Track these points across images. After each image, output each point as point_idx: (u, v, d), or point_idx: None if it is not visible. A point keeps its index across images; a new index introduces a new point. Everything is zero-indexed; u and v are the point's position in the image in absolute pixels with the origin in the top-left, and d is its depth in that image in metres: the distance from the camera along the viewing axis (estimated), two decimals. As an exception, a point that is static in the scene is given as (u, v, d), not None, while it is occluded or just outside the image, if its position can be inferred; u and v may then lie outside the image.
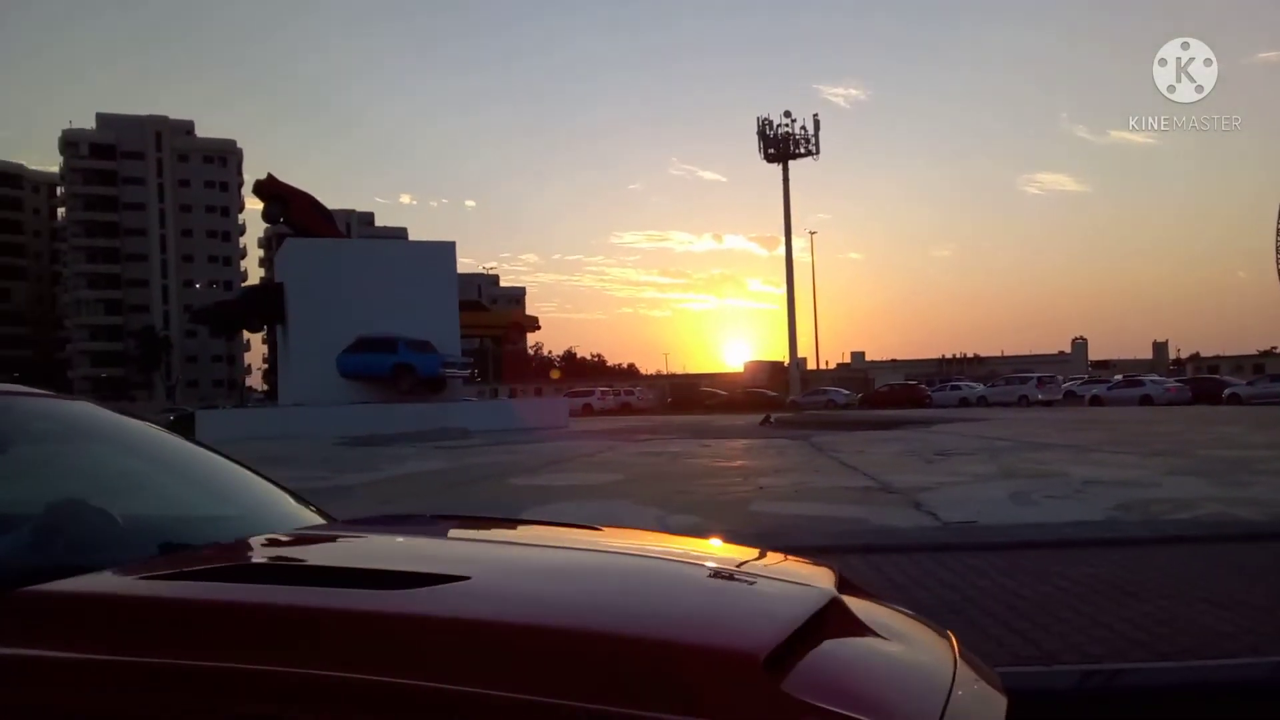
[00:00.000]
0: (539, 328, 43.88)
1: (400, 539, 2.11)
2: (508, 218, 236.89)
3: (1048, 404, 51.32)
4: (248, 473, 2.51)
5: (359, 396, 31.03)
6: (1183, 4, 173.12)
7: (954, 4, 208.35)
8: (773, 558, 2.01)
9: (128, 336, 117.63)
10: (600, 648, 1.17)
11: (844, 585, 1.70)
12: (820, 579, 1.68)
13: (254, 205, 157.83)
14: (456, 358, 32.25)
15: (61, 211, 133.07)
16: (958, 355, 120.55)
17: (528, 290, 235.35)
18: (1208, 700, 4.23)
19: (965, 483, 10.79)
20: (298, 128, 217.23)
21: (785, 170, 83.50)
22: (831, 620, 1.42)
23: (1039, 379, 57.09)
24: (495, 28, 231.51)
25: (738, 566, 1.79)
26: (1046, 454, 14.83)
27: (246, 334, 54.77)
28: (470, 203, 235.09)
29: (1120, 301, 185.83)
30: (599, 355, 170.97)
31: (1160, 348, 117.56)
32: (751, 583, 1.65)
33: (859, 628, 1.45)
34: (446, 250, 34.99)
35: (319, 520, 2.29)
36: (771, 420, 30.73)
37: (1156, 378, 55.73)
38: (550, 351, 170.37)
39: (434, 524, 2.46)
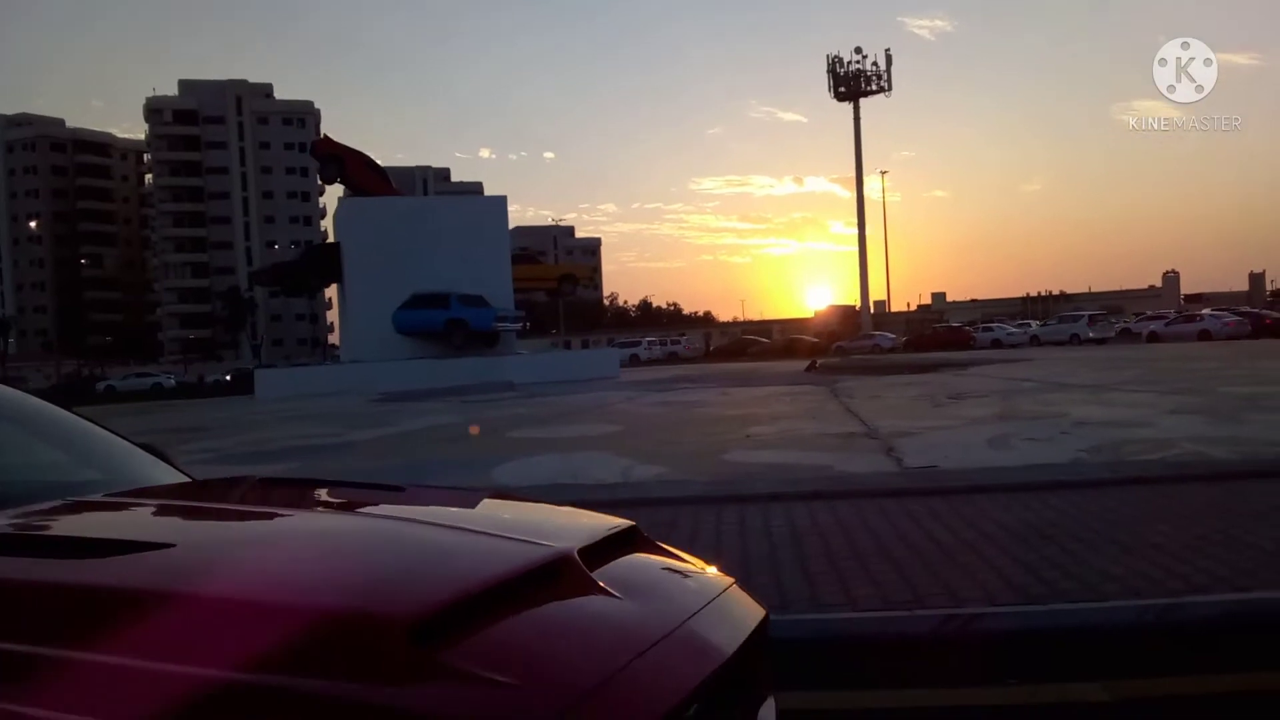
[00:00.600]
0: (594, 278, 43.72)
1: (164, 504, 2.09)
2: (586, 169, 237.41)
3: (1100, 342, 49.63)
4: (112, 437, 2.64)
5: (416, 352, 31.56)
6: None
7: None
8: (564, 514, 2.10)
9: (214, 298, 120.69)
10: (250, 613, 1.20)
11: (626, 541, 1.76)
12: (572, 537, 1.66)
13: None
14: (510, 311, 32.55)
15: (149, 178, 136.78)
16: (1042, 293, 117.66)
17: (604, 240, 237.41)
18: (1058, 644, 4.25)
19: (955, 427, 10.72)
20: (376, 87, 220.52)
21: (856, 109, 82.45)
22: (555, 580, 1.45)
23: (1090, 316, 55.48)
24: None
25: (501, 526, 1.81)
26: (1060, 395, 14.58)
27: (318, 292, 55.60)
28: (549, 154, 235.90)
29: (1216, 232, 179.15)
30: (675, 304, 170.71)
31: (1257, 279, 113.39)
32: (461, 543, 1.67)
33: (583, 587, 1.47)
34: (498, 205, 35.22)
35: (167, 480, 2.37)
36: (817, 366, 30.48)
37: (1213, 312, 52.92)
38: (626, 301, 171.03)
39: (232, 488, 2.57)
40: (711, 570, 1.85)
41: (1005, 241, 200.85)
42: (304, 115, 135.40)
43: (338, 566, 1.51)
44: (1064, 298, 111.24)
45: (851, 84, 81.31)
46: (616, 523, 1.86)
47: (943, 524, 6.03)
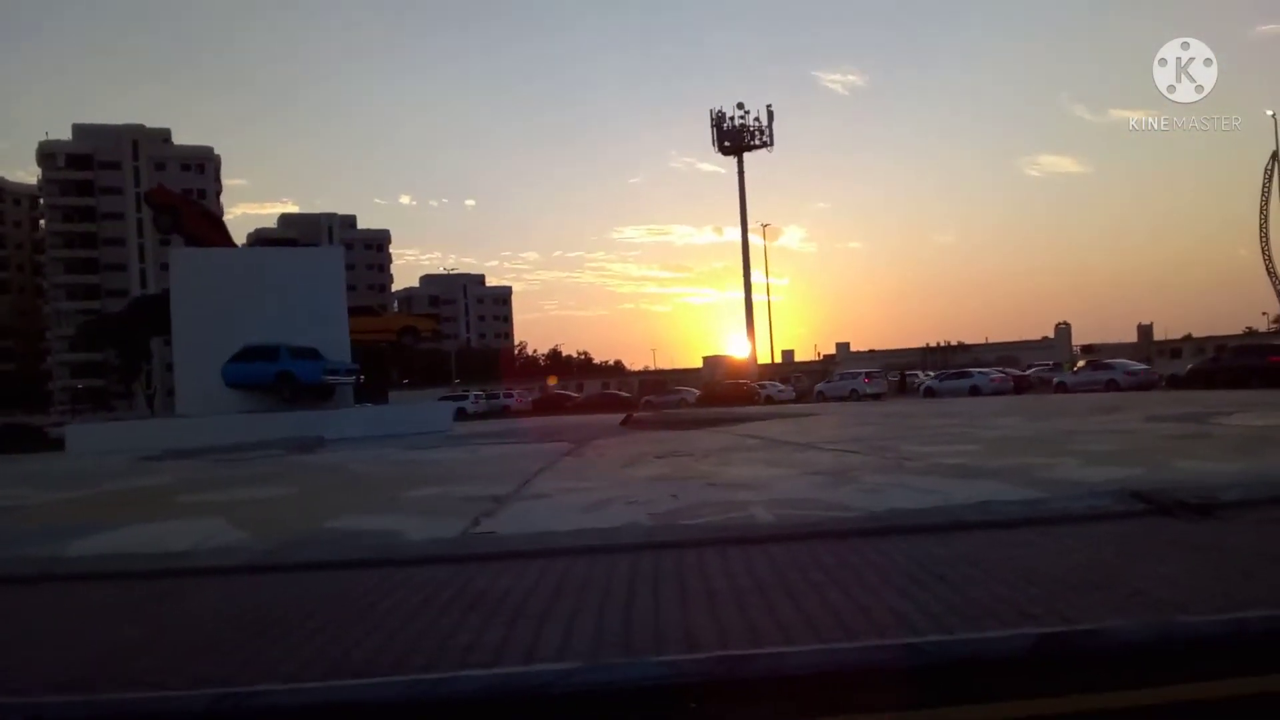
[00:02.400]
0: (438, 328, 43.90)
1: None
2: (508, 217, 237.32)
3: (876, 397, 54.33)
4: None
5: (249, 405, 31.19)
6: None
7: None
8: None
9: (108, 346, 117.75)
10: None
11: None
12: None
13: (231, 213, 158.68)
14: (343, 364, 32.32)
15: (43, 223, 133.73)
16: (941, 344, 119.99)
17: (526, 289, 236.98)
18: None
19: (597, 489, 10.89)
20: (292, 132, 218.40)
21: (740, 163, 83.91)
22: None
23: (867, 374, 59.89)
24: (484, 22, 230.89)
25: None
26: (750, 454, 15.26)
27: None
28: (470, 202, 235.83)
29: (1109, 285, 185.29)
30: (585, 353, 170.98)
31: (1145, 330, 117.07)
32: None
33: None
34: (334, 256, 35.16)
35: None
36: (631, 419, 31.07)
37: (983, 370, 56.45)
38: (535, 350, 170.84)
39: None
40: None
41: (915, 292, 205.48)
42: (203, 161, 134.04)
43: None
44: (962, 348, 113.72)
45: (735, 139, 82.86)
46: None
47: (354, 589, 6.08)
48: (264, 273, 32.88)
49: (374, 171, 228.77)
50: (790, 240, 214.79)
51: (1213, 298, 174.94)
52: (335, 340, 32.91)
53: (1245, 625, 4.80)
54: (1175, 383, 43.85)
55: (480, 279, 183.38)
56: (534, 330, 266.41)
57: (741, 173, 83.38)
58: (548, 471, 13.68)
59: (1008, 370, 58.18)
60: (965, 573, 5.88)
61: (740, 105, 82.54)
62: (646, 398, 65.74)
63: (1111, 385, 44.49)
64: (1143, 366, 49.91)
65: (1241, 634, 4.72)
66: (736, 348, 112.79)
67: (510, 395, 69.55)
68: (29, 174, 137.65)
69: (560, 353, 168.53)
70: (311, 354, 31.53)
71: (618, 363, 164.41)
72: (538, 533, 7.99)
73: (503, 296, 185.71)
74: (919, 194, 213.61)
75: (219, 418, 29.15)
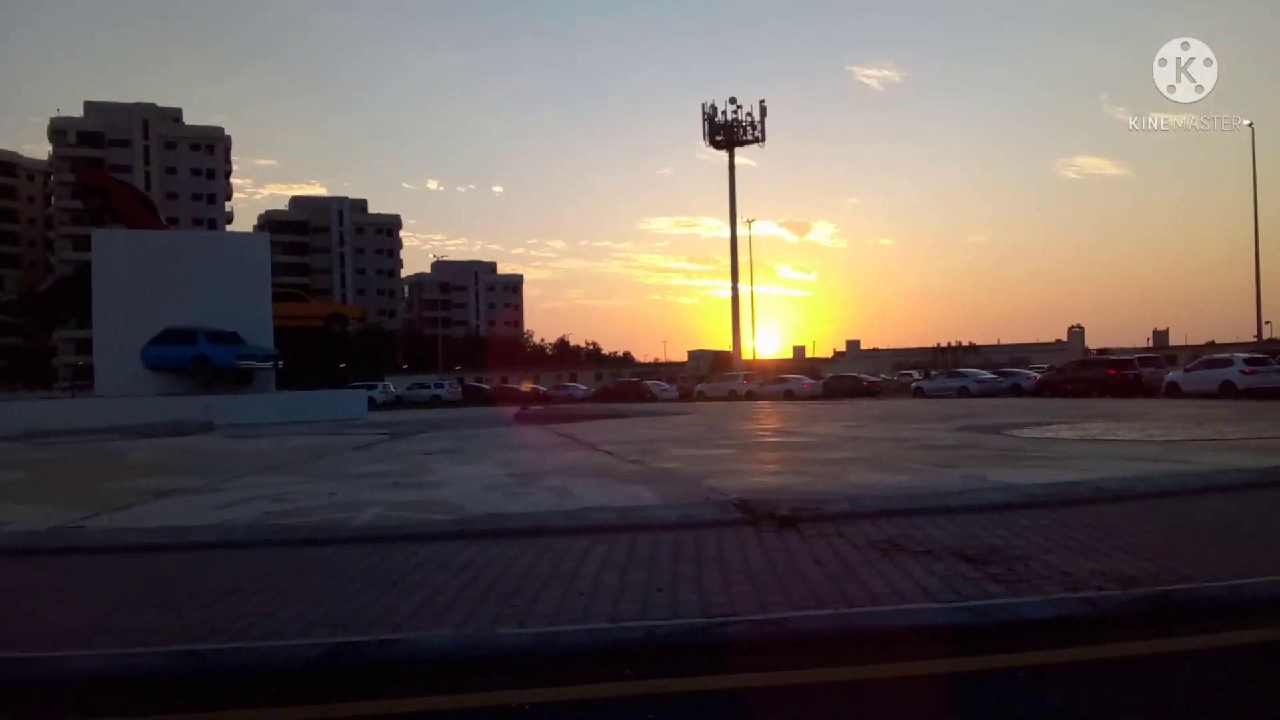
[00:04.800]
0: (363, 318, 44.22)
1: None
2: (535, 204, 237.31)
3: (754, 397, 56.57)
4: None
5: (167, 388, 31.54)
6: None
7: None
8: None
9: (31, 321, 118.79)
10: None
11: None
12: None
13: (241, 194, 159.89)
14: (259, 349, 32.57)
15: (54, 199, 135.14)
16: (952, 344, 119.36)
17: (551, 277, 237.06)
18: None
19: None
20: (319, 116, 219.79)
21: (731, 156, 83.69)
22: None
23: (808, 379, 62.38)
24: (516, 6, 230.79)
25: None
26: (539, 455, 15.24)
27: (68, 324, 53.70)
28: (498, 188, 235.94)
29: (1132, 289, 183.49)
30: (593, 343, 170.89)
31: (1161, 335, 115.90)
32: None
33: None
34: (260, 241, 35.47)
35: None
36: (525, 412, 31.48)
37: (798, 376, 63.38)
38: (543, 340, 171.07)
39: None
40: None
41: (940, 291, 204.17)
42: (213, 141, 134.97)
43: None
44: (973, 349, 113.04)
45: (727, 133, 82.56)
46: None
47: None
48: (187, 256, 33.20)
49: (402, 156, 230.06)
50: (820, 235, 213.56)
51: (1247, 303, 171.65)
52: (259, 324, 33.17)
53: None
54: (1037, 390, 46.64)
55: (492, 266, 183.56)
56: (558, 319, 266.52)
57: (732, 167, 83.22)
58: (285, 468, 13.76)
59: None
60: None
61: (733, 100, 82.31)
62: (545, 391, 71.56)
63: (963, 392, 49.33)
64: (990, 376, 53.50)
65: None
66: (758, 341, 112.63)
67: (441, 386, 70.74)
68: (41, 150, 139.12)
69: (568, 342, 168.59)
70: (231, 338, 31.83)
71: (627, 354, 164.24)
72: (124, 528, 8.11)
73: (513, 284, 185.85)
74: (953, 193, 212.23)
75: (128, 400, 29.48)
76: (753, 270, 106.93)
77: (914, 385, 54.92)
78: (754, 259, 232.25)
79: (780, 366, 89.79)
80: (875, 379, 59.34)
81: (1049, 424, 19.36)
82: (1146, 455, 12.08)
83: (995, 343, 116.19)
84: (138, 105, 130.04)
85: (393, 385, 67.36)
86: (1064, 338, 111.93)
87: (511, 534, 7.83)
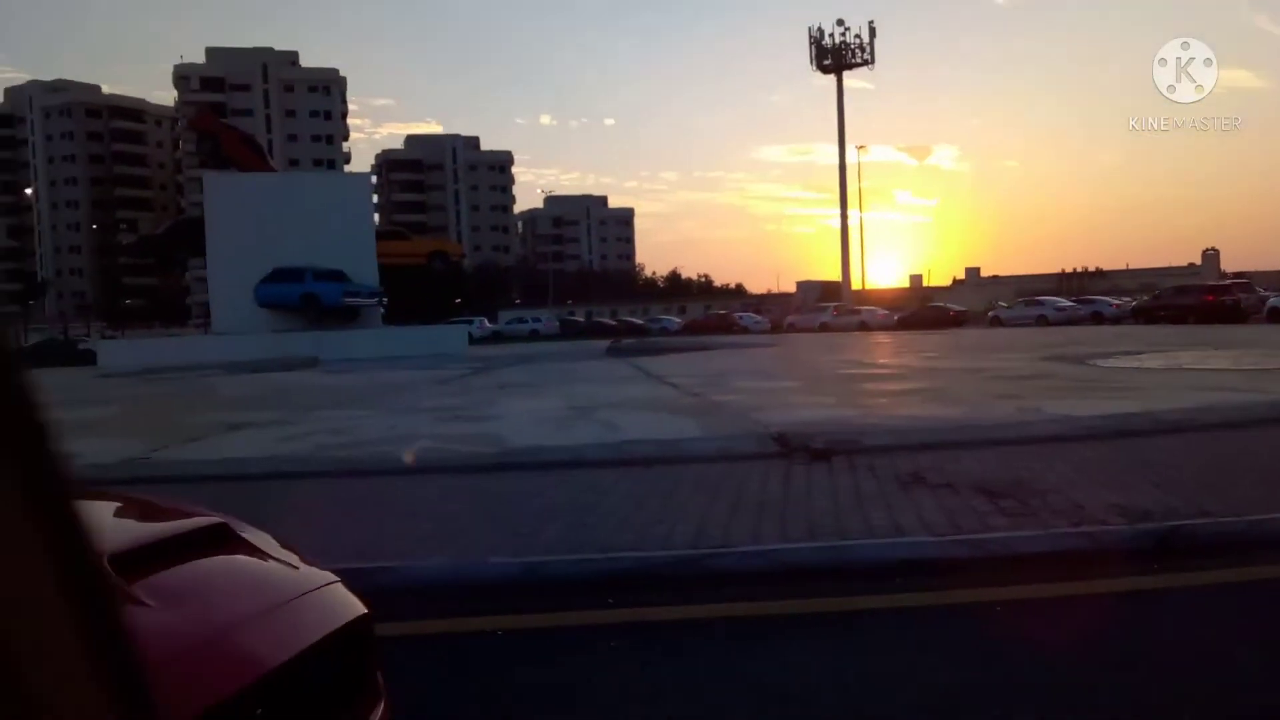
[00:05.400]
0: (464, 255, 44.87)
1: None
2: (647, 136, 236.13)
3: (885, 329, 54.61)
4: None
5: (279, 325, 32.79)
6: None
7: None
8: (141, 508, 2.01)
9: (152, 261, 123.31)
10: None
11: (201, 540, 1.70)
12: (128, 537, 1.63)
13: (360, 134, 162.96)
14: (364, 286, 33.50)
15: (181, 144, 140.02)
16: (1078, 269, 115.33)
17: (665, 210, 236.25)
18: None
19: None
20: (436, 56, 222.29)
21: (840, 81, 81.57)
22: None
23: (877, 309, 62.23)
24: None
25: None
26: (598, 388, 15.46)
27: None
28: (610, 121, 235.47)
29: (1265, 208, 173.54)
30: (705, 275, 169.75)
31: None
32: None
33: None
34: (362, 182, 36.23)
35: None
36: (616, 345, 31.82)
37: (871, 308, 63.14)
38: (654, 273, 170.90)
39: None
40: (308, 569, 1.77)
41: (1068, 214, 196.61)
42: (330, 83, 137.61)
43: None
44: (1100, 274, 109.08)
45: (835, 56, 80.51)
46: (197, 521, 1.77)
47: None
48: (294, 198, 34.18)
49: (515, 93, 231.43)
50: (942, 159, 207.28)
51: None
52: (363, 263, 34.09)
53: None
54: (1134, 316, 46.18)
55: (603, 200, 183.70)
56: (671, 252, 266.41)
57: (840, 92, 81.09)
58: (363, 402, 14.22)
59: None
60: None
61: (840, 22, 79.93)
62: (640, 322, 72.93)
63: (1041, 320, 48.26)
64: (1068, 304, 52.42)
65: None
66: (873, 270, 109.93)
67: (539, 320, 71.03)
68: (168, 96, 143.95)
69: (680, 275, 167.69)
70: (337, 276, 32.81)
71: (739, 285, 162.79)
72: (185, 459, 8.58)
73: (625, 218, 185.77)
74: (1083, 110, 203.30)
75: (243, 337, 30.78)
76: (861, 198, 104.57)
77: (990, 314, 53.70)
78: (873, 185, 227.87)
79: (896, 296, 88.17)
80: (963, 309, 57.64)
81: (1140, 353, 18.69)
82: (1226, 385, 11.62)
83: (1124, 267, 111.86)
84: (256, 50, 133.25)
85: (493, 320, 68.47)
86: (1198, 262, 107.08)
87: (548, 466, 8.02)
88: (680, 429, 9.52)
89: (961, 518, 5.87)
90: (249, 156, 35.92)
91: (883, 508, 6.14)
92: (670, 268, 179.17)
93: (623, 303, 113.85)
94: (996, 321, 50.93)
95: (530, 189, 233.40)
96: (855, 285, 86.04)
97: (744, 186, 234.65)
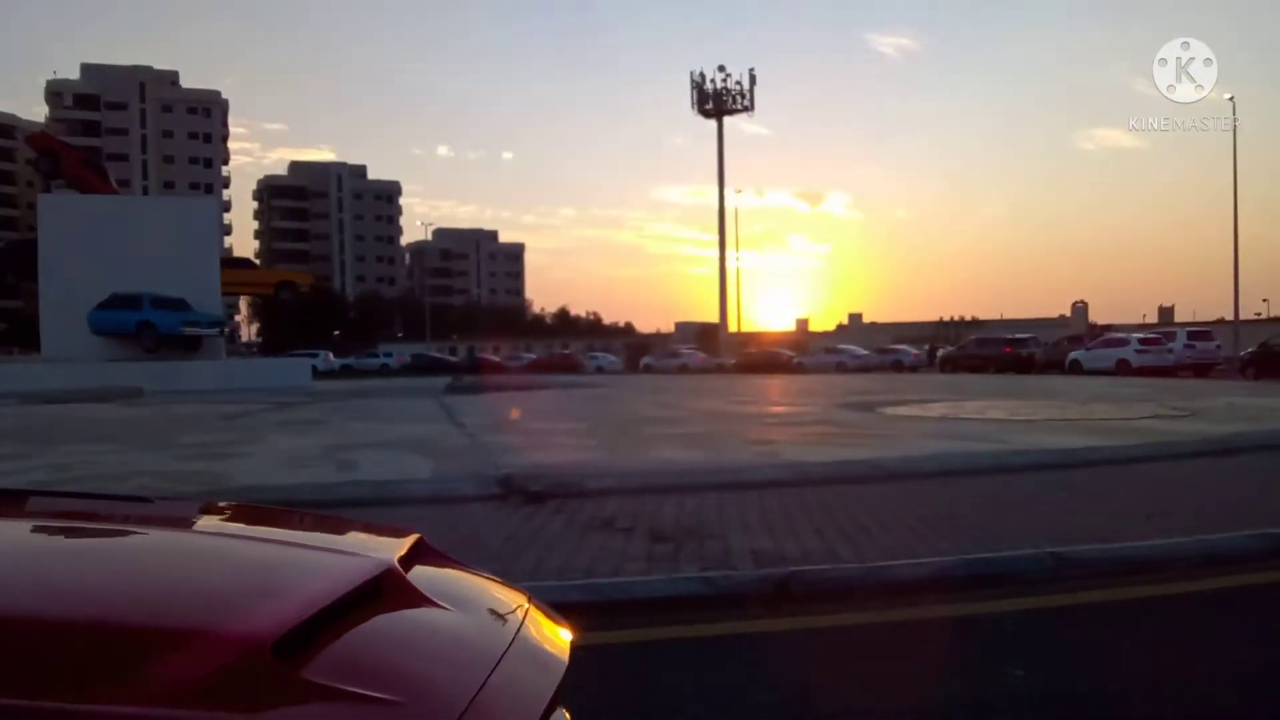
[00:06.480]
0: (312, 284, 44.66)
1: None
2: (546, 171, 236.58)
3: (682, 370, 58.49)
4: None
5: (119, 354, 31.70)
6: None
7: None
8: (341, 525, 1.96)
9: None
10: (84, 636, 1.05)
11: (420, 553, 1.62)
12: (384, 549, 1.57)
13: (238, 160, 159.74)
14: (205, 315, 32.60)
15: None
16: (955, 318, 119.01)
17: (561, 245, 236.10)
18: None
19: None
20: (333, 84, 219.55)
21: (720, 125, 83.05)
22: (385, 593, 1.35)
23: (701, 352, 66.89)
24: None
25: (291, 540, 1.72)
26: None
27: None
28: (507, 154, 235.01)
29: (1138, 264, 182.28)
30: (594, 313, 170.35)
31: (1167, 311, 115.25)
32: (294, 557, 1.54)
33: (414, 600, 1.37)
34: (208, 207, 35.49)
35: None
36: (458, 382, 31.96)
37: (692, 351, 68.67)
38: (543, 309, 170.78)
39: None
40: (499, 581, 1.73)
41: (952, 264, 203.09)
42: (210, 105, 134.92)
43: (165, 585, 1.36)
44: (975, 323, 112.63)
45: (716, 101, 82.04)
46: (404, 533, 1.73)
47: None
48: (136, 222, 33.20)
49: (412, 123, 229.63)
50: (835, 205, 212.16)
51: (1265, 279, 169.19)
52: (207, 291, 33.24)
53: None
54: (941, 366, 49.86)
55: (494, 235, 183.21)
56: (567, 289, 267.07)
57: (721, 137, 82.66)
58: (120, 438, 13.76)
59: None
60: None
61: (721, 68, 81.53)
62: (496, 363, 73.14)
63: (840, 367, 52.31)
64: (864, 353, 56.57)
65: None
66: (767, 314, 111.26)
67: (390, 355, 72.13)
68: (37, 113, 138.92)
69: (568, 312, 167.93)
70: (177, 305, 31.90)
71: (628, 324, 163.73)
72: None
73: (515, 253, 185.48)
74: (969, 164, 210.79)
75: (70, 364, 29.67)
76: (739, 241, 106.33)
77: (795, 361, 56.49)
78: (768, 229, 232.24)
79: (780, 339, 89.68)
80: (796, 355, 59.98)
81: (932, 400, 19.34)
82: (974, 434, 12.06)
83: (998, 317, 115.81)
84: (134, 68, 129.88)
85: (335, 355, 69.05)
86: (1068, 313, 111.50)
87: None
88: (415, 470, 9.47)
89: (610, 561, 5.95)
90: (89, 177, 34.81)
91: (552, 551, 6.20)
92: (561, 305, 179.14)
93: (508, 338, 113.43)
94: (800, 368, 53.90)
95: (425, 220, 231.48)
96: (733, 327, 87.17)
97: (642, 226, 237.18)
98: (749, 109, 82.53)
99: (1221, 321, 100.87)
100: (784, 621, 5.29)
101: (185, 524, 1.91)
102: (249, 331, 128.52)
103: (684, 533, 6.77)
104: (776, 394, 25.26)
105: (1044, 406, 17.01)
